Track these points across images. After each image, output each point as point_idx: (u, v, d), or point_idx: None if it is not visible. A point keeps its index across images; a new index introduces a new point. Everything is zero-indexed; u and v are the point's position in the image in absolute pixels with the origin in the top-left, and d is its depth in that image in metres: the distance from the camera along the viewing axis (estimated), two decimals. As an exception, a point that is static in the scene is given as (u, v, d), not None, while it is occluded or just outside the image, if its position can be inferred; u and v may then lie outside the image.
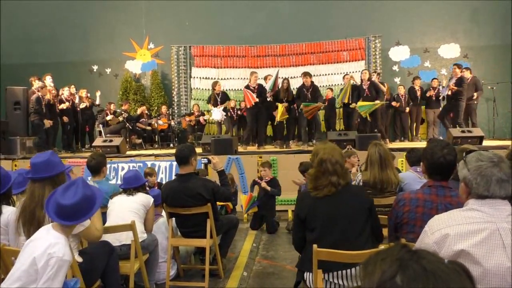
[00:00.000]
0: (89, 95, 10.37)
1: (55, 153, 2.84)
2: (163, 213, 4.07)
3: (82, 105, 9.95)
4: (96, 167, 3.96)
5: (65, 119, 9.50)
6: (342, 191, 2.54)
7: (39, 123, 8.84)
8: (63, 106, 9.46)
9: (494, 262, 1.52)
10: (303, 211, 2.61)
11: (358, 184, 3.60)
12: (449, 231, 1.63)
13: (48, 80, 9.39)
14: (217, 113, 9.79)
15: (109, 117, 10.30)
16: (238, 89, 11.84)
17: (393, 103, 10.37)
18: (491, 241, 1.56)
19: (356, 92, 8.86)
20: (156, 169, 7.12)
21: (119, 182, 6.72)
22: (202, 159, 4.31)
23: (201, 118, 11.11)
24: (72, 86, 10.17)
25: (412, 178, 3.65)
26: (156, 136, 10.90)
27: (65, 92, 9.78)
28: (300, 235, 2.68)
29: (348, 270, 2.45)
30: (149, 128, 10.93)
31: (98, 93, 10.51)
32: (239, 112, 10.61)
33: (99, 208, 2.95)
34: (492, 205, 1.64)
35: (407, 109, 10.45)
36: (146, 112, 11.55)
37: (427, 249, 1.67)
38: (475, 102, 9.53)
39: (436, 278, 0.76)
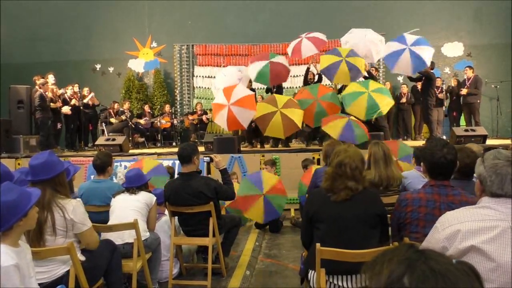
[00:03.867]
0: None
1: (53, 153, 2.77)
2: (166, 212, 4.08)
3: (85, 100, 10.00)
4: (101, 167, 3.97)
5: (65, 110, 9.49)
6: (356, 195, 2.49)
7: (43, 121, 8.88)
8: (67, 109, 9.49)
9: (505, 260, 1.52)
10: (312, 208, 2.59)
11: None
12: (461, 227, 1.63)
13: (51, 79, 9.43)
14: None
15: (113, 119, 10.31)
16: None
17: (402, 100, 10.39)
18: (502, 239, 1.55)
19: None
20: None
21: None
22: (204, 158, 4.31)
23: (203, 117, 11.12)
24: (76, 84, 10.21)
25: (416, 176, 3.64)
26: (159, 135, 10.92)
27: (68, 91, 9.82)
28: (308, 232, 2.66)
29: (354, 276, 2.43)
30: (143, 122, 10.95)
31: (91, 94, 10.34)
32: None
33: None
34: (505, 204, 1.63)
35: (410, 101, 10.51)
36: (149, 110, 11.58)
37: (437, 244, 1.66)
38: (478, 101, 9.50)
39: (444, 279, 0.75)
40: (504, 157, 1.69)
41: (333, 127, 6.40)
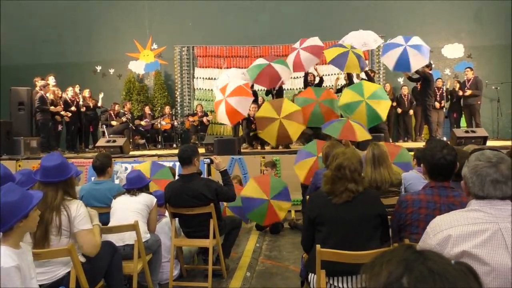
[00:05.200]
0: (91, 95, 10.44)
1: (61, 155, 2.85)
2: (166, 213, 4.08)
3: (86, 104, 10.05)
4: (100, 168, 3.98)
5: (66, 116, 9.59)
6: (357, 196, 2.51)
7: (44, 122, 8.89)
8: (67, 114, 9.56)
9: (497, 262, 1.51)
10: (314, 211, 2.60)
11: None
12: (452, 232, 1.62)
13: (51, 80, 9.46)
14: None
15: (114, 122, 10.32)
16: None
17: (399, 109, 10.37)
18: (493, 242, 1.55)
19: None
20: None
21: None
22: (204, 159, 4.31)
23: (204, 119, 11.12)
24: (77, 86, 10.23)
25: (417, 178, 3.64)
26: (159, 137, 10.92)
27: (69, 93, 9.83)
28: (309, 235, 2.67)
29: (354, 277, 2.43)
30: (143, 123, 10.96)
31: (101, 95, 10.62)
32: None
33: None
34: (493, 206, 1.63)
35: (411, 112, 10.45)
36: (149, 112, 11.59)
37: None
38: (478, 102, 9.50)
39: (442, 280, 0.76)
40: (485, 159, 1.68)
41: (359, 129, 6.00)
